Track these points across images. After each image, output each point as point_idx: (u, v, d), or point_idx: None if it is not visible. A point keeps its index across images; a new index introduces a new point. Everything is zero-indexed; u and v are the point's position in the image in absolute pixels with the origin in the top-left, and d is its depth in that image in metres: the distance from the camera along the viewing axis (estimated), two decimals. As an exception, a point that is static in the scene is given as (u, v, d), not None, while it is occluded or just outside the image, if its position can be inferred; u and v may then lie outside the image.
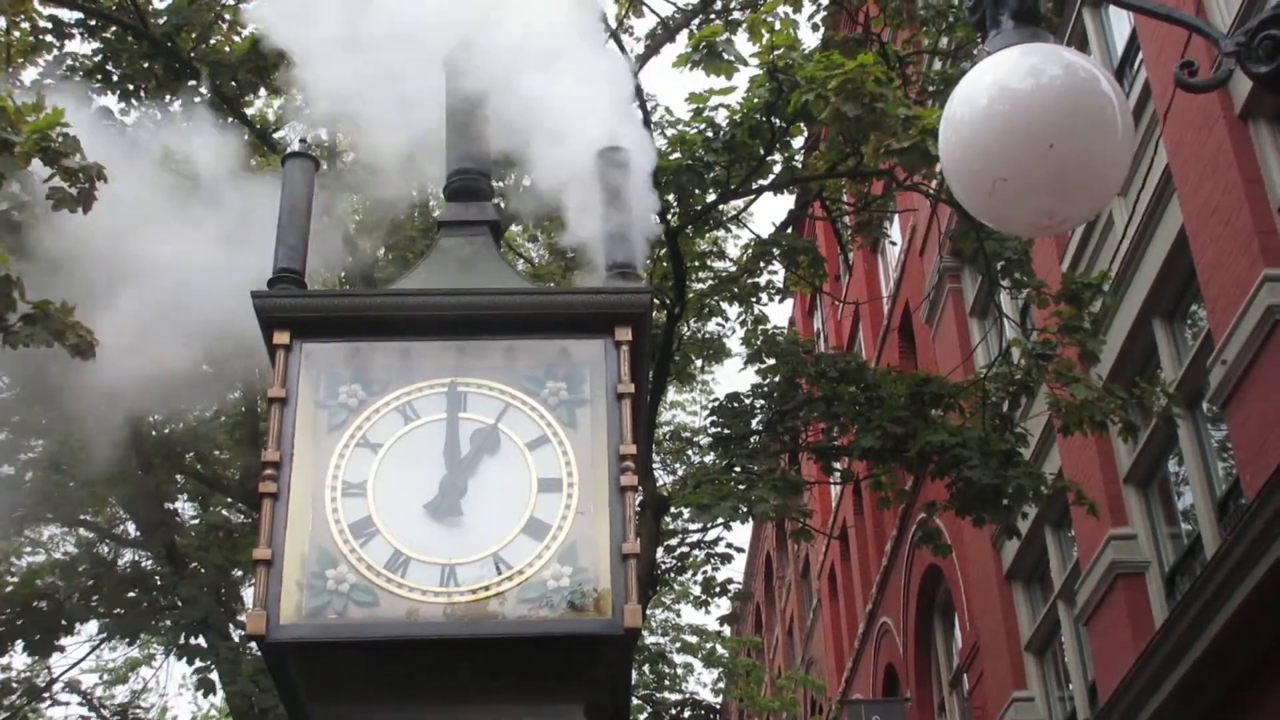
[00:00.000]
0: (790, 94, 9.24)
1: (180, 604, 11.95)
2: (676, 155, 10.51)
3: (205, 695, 12.45)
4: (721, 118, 10.39)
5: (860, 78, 8.36)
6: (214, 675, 12.16)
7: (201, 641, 12.12)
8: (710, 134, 10.35)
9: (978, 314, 16.57)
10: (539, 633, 3.35)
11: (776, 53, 9.54)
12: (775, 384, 12.09)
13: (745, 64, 9.52)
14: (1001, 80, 3.48)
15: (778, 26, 9.66)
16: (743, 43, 9.94)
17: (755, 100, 10.04)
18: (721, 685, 23.19)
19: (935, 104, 9.75)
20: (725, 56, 9.33)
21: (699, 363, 16.25)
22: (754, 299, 13.18)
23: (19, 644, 12.26)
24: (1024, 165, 3.42)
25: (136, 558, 14.81)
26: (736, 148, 10.32)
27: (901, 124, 8.42)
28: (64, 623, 12.23)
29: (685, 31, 12.64)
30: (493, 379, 3.68)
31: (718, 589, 18.34)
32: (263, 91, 12.20)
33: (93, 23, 11.35)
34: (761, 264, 12.95)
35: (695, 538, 17.87)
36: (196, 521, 14.42)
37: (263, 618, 3.27)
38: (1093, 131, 3.43)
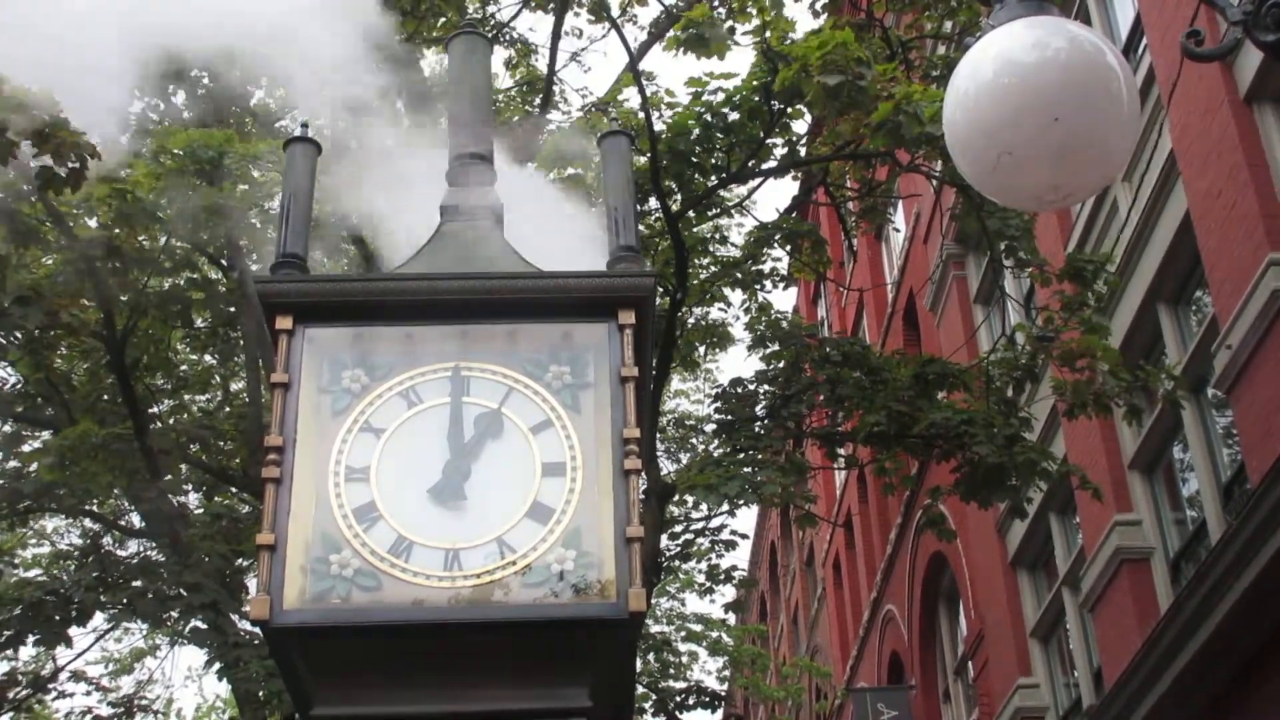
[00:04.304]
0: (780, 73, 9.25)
1: (185, 592, 11.97)
2: (677, 138, 10.50)
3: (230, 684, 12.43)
4: (720, 100, 10.37)
5: (842, 55, 8.35)
6: (219, 665, 12.17)
7: (200, 623, 12.13)
8: (709, 117, 10.33)
9: (982, 300, 16.56)
10: (543, 617, 3.34)
11: (769, 33, 9.53)
12: (779, 369, 12.07)
13: (735, 43, 9.51)
14: (1006, 53, 3.45)
15: (768, 3, 9.65)
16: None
17: (753, 82, 10.03)
18: (726, 673, 23.20)
19: (939, 88, 9.74)
20: (710, 37, 9.30)
21: (702, 349, 16.23)
22: (758, 285, 13.16)
23: (28, 637, 12.28)
24: (1029, 139, 3.39)
25: (141, 548, 14.85)
26: (735, 130, 10.30)
27: (884, 99, 8.42)
28: (73, 614, 12.25)
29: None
30: (496, 363, 3.66)
31: (722, 576, 18.34)
32: (264, 81, 12.19)
33: None
34: (765, 250, 12.92)
35: (700, 525, 17.87)
36: (201, 512, 14.44)
37: (266, 603, 3.26)
38: (1098, 104, 3.40)
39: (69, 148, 5.58)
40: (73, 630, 12.53)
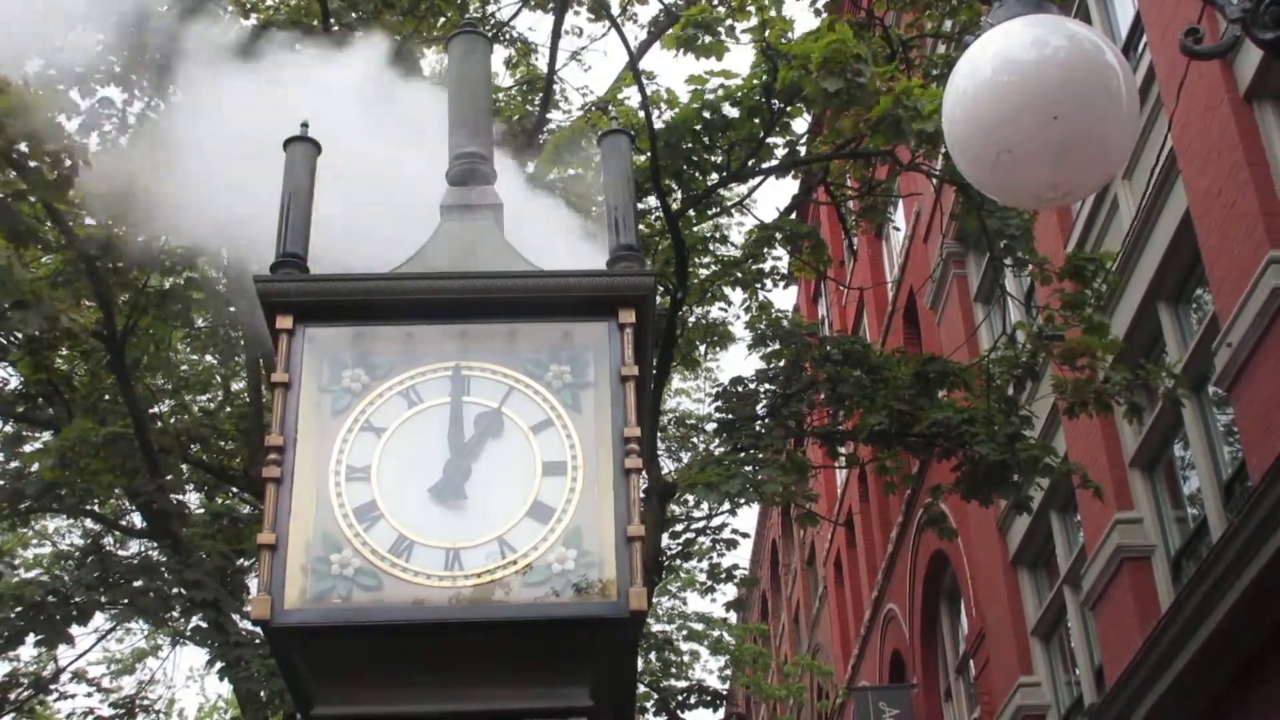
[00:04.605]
0: (780, 71, 9.26)
1: (185, 590, 11.97)
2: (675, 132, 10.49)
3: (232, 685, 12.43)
4: (720, 96, 10.37)
5: (840, 53, 8.36)
6: (221, 663, 12.17)
7: (201, 623, 12.13)
8: (707, 114, 10.32)
9: (982, 299, 16.56)
10: (544, 616, 3.33)
11: (768, 32, 9.54)
12: (780, 368, 12.07)
13: (736, 40, 9.52)
14: (1005, 52, 3.46)
15: (767, 2, 9.66)
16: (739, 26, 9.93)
17: (754, 81, 10.04)
18: (728, 672, 23.21)
19: (939, 87, 9.75)
20: (710, 37, 9.31)
21: (703, 348, 16.23)
22: (758, 284, 13.16)
23: (29, 638, 12.27)
24: (1028, 137, 3.40)
25: (142, 548, 14.85)
26: (735, 127, 10.29)
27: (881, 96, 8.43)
28: (74, 614, 12.25)
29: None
30: (496, 362, 3.66)
31: (723, 575, 18.35)
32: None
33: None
34: (765, 250, 12.92)
35: (701, 524, 17.88)
36: (201, 511, 14.45)
37: (267, 602, 3.26)
38: (1097, 102, 3.41)
39: (64, 153, 5.57)
40: (74, 630, 12.53)
